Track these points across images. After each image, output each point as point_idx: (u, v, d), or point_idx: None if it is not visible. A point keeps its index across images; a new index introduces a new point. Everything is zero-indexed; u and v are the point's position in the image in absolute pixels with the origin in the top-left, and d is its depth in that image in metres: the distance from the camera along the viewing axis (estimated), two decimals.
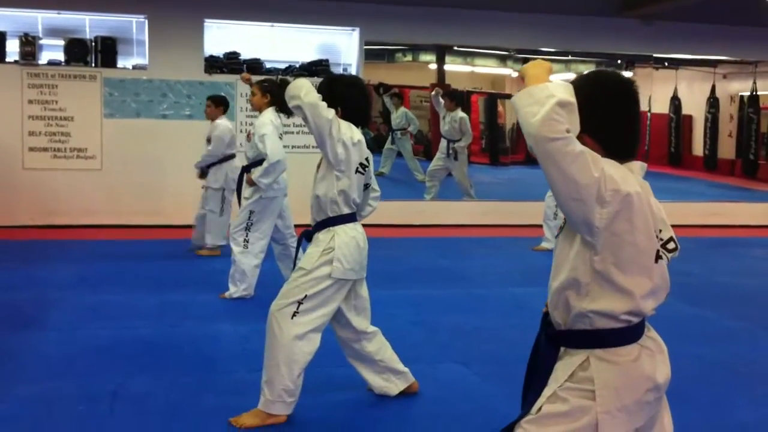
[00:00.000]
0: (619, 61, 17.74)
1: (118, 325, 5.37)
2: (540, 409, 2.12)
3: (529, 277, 7.07)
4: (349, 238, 3.76)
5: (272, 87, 6.11)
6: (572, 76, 19.69)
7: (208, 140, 7.66)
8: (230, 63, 9.58)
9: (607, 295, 2.07)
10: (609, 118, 2.10)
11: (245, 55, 9.66)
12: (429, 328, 5.45)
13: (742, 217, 10.95)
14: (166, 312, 5.73)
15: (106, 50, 9.35)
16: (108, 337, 5.07)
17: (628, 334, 2.10)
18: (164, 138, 9.32)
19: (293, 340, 3.69)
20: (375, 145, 13.28)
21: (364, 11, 9.62)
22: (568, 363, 2.13)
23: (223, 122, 7.70)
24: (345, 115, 3.78)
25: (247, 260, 6.08)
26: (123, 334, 5.14)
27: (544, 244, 8.46)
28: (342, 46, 10.06)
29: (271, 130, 5.83)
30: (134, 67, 9.50)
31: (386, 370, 4.05)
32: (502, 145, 18.36)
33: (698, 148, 18.84)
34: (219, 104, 7.69)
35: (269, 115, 5.96)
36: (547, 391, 2.13)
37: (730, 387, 4.43)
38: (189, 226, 8.62)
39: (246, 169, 6.17)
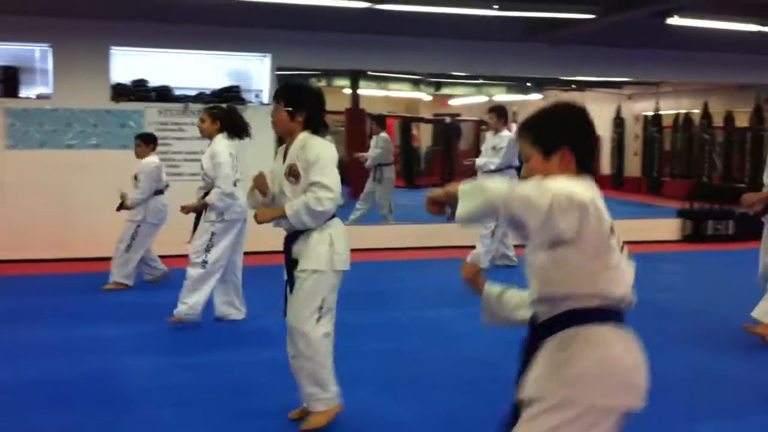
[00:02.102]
0: (528, 84, 18.20)
1: (21, 364, 5.14)
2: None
3: (446, 298, 7.10)
4: (341, 231, 3.92)
5: (221, 113, 6.10)
6: (484, 99, 20.17)
7: (135, 177, 7.49)
8: (138, 90, 9.40)
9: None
10: (585, 136, 2.35)
11: (154, 82, 9.49)
12: (348, 352, 5.39)
13: (649, 232, 11.29)
14: (71, 348, 5.52)
15: (8, 79, 9.06)
16: (9, 379, 4.85)
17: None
18: (70, 168, 9.04)
19: (323, 338, 3.87)
20: None
21: (275, 37, 9.59)
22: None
23: (149, 159, 7.58)
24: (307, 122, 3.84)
25: (203, 280, 5.98)
26: (25, 374, 4.92)
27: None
28: (253, 72, 9.99)
29: (226, 158, 5.90)
30: (38, 97, 9.22)
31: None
32: (417, 168, 18.53)
33: (606, 167, 19.41)
34: (149, 142, 7.55)
35: (224, 142, 5.98)
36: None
37: (651, 400, 4.51)
38: (98, 259, 8.38)
39: (206, 194, 6.09)
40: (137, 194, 7.51)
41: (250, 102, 9.73)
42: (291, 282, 3.89)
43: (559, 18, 9.49)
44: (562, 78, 15.01)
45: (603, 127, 19.29)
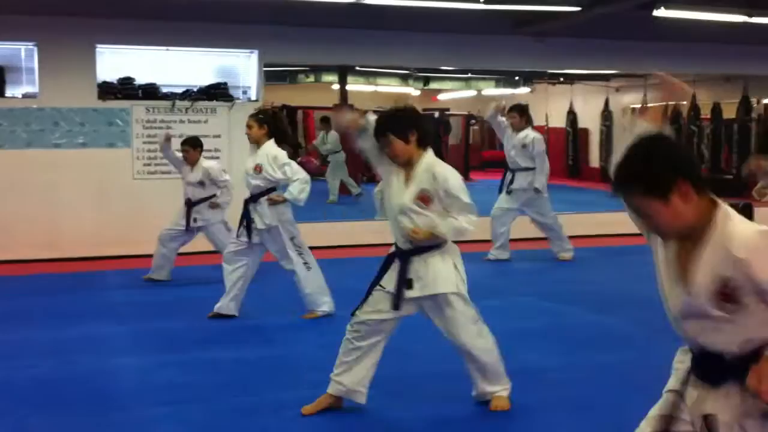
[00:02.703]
0: (517, 78, 18.23)
1: (12, 365, 5.12)
2: None
3: None
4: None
5: (268, 118, 6.19)
6: (473, 93, 20.15)
7: (202, 183, 7.57)
8: (124, 88, 9.35)
9: None
10: (689, 159, 2.19)
11: (140, 80, 9.45)
12: (336, 350, 5.39)
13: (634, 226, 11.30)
14: (62, 348, 5.49)
15: None
16: (1, 378, 4.83)
17: None
18: (57, 168, 8.98)
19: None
20: None
21: (262, 33, 9.55)
22: None
23: (211, 162, 7.76)
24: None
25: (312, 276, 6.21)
26: (17, 375, 4.90)
27: (566, 255, 8.92)
28: (241, 68, 9.96)
29: (285, 156, 6.07)
30: (24, 96, 9.16)
31: None
32: None
33: (595, 159, 19.46)
34: (197, 146, 7.61)
35: (274, 145, 6.11)
36: None
37: (630, 391, 4.52)
38: (86, 258, 8.35)
39: (254, 199, 6.11)
40: (227, 196, 7.55)
41: (238, 98, 9.70)
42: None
43: (545, 11, 9.49)
44: (549, 71, 15.04)
45: (591, 120, 19.36)
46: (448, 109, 20.62)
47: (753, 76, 14.38)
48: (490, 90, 18.69)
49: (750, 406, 2.15)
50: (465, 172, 18.38)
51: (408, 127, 3.96)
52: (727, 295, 2.11)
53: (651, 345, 5.50)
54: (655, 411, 2.43)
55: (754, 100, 15.68)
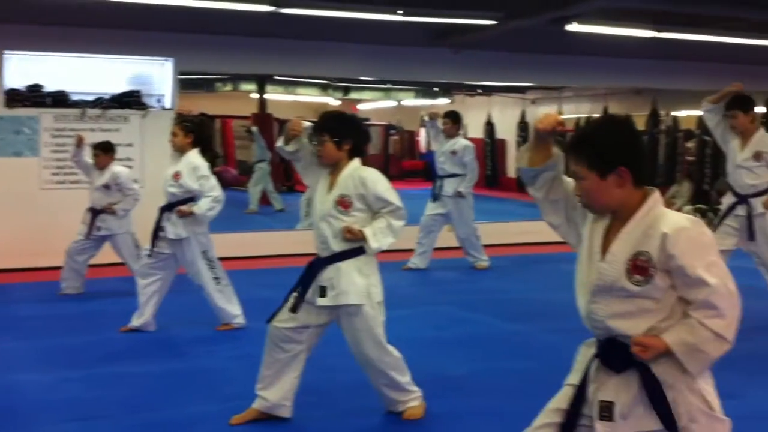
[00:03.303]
0: (436, 89, 18.42)
1: None
2: None
3: None
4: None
5: (194, 127, 6.02)
6: (393, 103, 20.25)
7: (108, 186, 7.27)
8: (33, 96, 9.03)
9: None
10: (640, 152, 2.42)
11: (49, 87, 9.15)
12: (250, 362, 5.31)
13: (553, 234, 11.52)
14: None
15: None
16: None
17: None
18: None
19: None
20: None
21: (177, 41, 9.38)
22: None
23: (120, 168, 7.44)
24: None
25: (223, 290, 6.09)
26: None
27: (483, 263, 9.01)
28: (155, 76, 9.75)
29: (208, 171, 5.93)
30: None
31: None
32: None
33: (512, 170, 19.79)
34: (108, 150, 7.36)
35: (198, 155, 5.93)
36: None
37: (543, 398, 4.58)
38: None
39: (169, 208, 5.94)
40: (129, 204, 7.22)
41: (152, 107, 9.49)
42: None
43: (462, 24, 9.61)
44: (466, 83, 15.23)
45: (509, 131, 19.70)
46: (368, 119, 20.69)
47: (662, 89, 14.87)
48: (410, 101, 18.86)
49: (645, 392, 2.29)
50: None
51: (346, 135, 3.97)
52: (639, 267, 2.27)
53: (564, 352, 5.59)
54: (552, 404, 2.50)
55: (662, 113, 16.22)
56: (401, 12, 8.82)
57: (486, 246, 9.27)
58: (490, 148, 20.06)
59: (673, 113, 16.79)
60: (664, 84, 13.36)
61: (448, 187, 8.77)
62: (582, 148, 2.35)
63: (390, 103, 19.97)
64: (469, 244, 9.04)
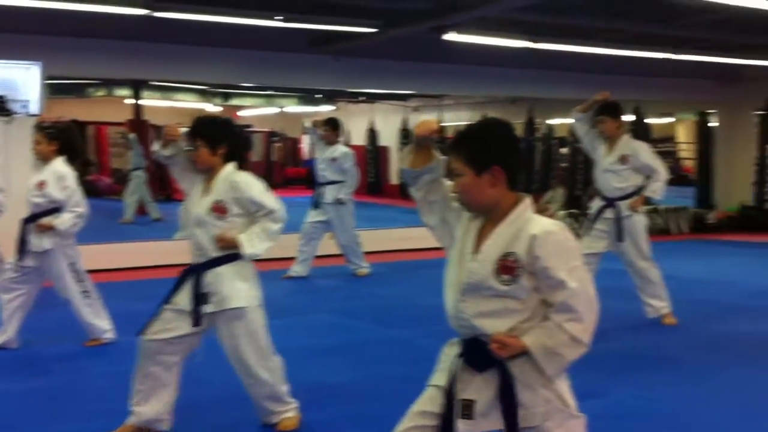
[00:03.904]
0: (319, 96, 18.40)
1: None
2: None
3: None
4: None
5: (58, 134, 5.66)
6: (275, 110, 20.07)
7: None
8: None
9: None
10: (515, 154, 2.51)
11: None
12: (121, 378, 5.11)
13: (434, 240, 11.67)
14: None
15: None
16: None
17: None
18: None
19: None
20: None
21: (45, 44, 8.95)
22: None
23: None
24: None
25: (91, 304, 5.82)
26: None
27: (364, 270, 9.00)
28: (20, 80, 9.27)
29: (74, 182, 5.59)
30: None
31: None
32: None
33: (395, 177, 19.97)
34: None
35: (64, 164, 5.61)
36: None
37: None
38: None
39: (33, 219, 5.59)
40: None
41: (17, 113, 9.02)
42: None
43: (341, 31, 9.60)
44: (348, 90, 15.27)
45: (391, 139, 19.87)
46: (250, 126, 20.42)
47: (537, 98, 15.36)
48: (293, 107, 18.75)
49: (504, 390, 2.37)
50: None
51: (220, 139, 3.90)
52: (507, 267, 2.34)
53: None
54: (416, 407, 2.52)
55: (538, 121, 16.75)
56: (280, 18, 8.73)
57: (368, 253, 9.29)
58: (373, 155, 20.18)
59: (548, 121, 17.36)
60: (540, 93, 13.80)
61: (329, 194, 8.74)
62: (461, 145, 2.43)
63: (272, 110, 19.79)
64: (350, 251, 9.03)
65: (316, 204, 8.82)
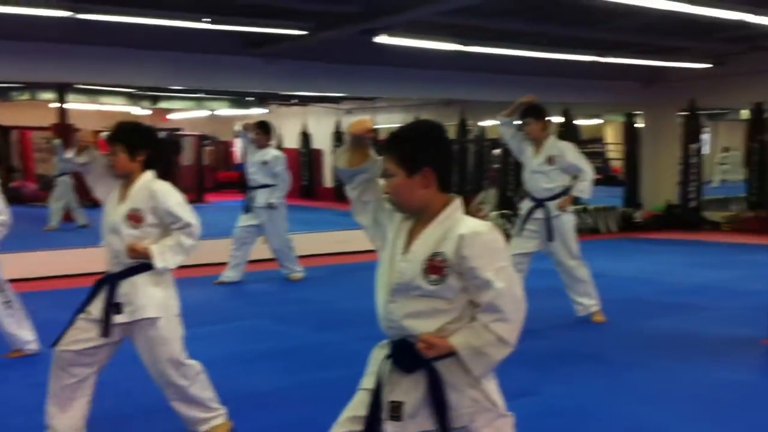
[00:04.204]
0: (251, 99, 18.22)
1: None
2: None
3: None
4: None
5: None
6: (206, 113, 19.80)
7: None
8: None
9: None
10: (447, 156, 2.52)
11: None
12: (45, 390, 4.95)
13: (368, 242, 11.66)
14: None
15: None
16: None
17: None
18: None
19: None
20: None
21: None
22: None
23: None
24: None
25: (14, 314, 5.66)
26: None
27: (297, 275, 8.92)
28: None
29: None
30: None
31: None
32: None
33: (329, 180, 19.93)
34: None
35: None
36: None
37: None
38: None
39: None
40: None
41: None
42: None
43: (273, 33, 9.53)
44: (281, 92, 15.16)
45: (324, 142, 19.82)
46: (179, 129, 20.12)
47: (469, 100, 15.50)
48: (224, 110, 18.54)
49: (432, 391, 2.39)
50: (199, 193, 17.99)
51: (139, 145, 3.82)
52: (435, 267, 2.35)
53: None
54: (348, 412, 2.52)
55: (470, 123, 16.91)
56: (208, 20, 8.61)
57: (302, 256, 9.22)
58: (306, 159, 20.10)
59: (481, 123, 17.54)
60: (471, 95, 13.94)
61: (260, 198, 8.65)
62: (393, 145, 2.44)
63: (203, 113, 19.53)
64: (282, 256, 8.95)
65: (248, 208, 8.72)
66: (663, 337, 6.21)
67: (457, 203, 2.45)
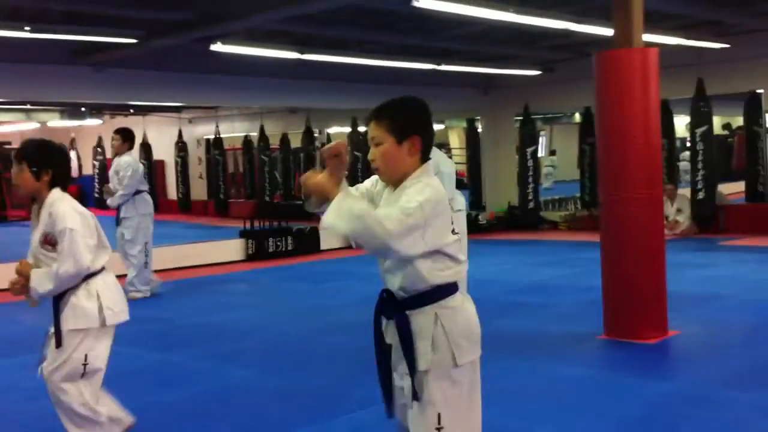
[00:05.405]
0: (83, 109, 17.38)
1: None
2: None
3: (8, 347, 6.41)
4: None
5: None
6: (35, 125, 18.77)
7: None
8: None
9: None
10: (431, 127, 2.61)
11: None
12: None
13: (217, 254, 11.39)
14: None
15: None
16: None
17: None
18: None
19: None
20: None
21: None
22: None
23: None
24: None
25: None
26: None
27: (136, 294, 8.38)
28: None
29: None
30: None
31: None
32: None
33: (172, 191, 19.33)
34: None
35: None
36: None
37: (207, 423, 4.40)
38: None
39: None
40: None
41: None
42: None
43: (101, 42, 9.10)
44: (113, 102, 14.58)
45: (165, 152, 19.21)
46: (9, 143, 18.95)
47: (314, 108, 15.48)
48: (56, 122, 17.62)
49: (401, 335, 2.58)
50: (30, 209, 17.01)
51: (45, 164, 3.60)
52: None
53: (217, 378, 5.46)
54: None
55: (316, 130, 16.88)
56: (29, 28, 8.10)
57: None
58: (148, 170, 19.38)
59: (328, 130, 17.54)
60: (312, 103, 13.94)
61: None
62: (384, 113, 2.54)
63: (33, 125, 18.48)
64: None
65: (118, 220, 8.56)
66: (506, 336, 6.35)
67: (426, 167, 2.56)
